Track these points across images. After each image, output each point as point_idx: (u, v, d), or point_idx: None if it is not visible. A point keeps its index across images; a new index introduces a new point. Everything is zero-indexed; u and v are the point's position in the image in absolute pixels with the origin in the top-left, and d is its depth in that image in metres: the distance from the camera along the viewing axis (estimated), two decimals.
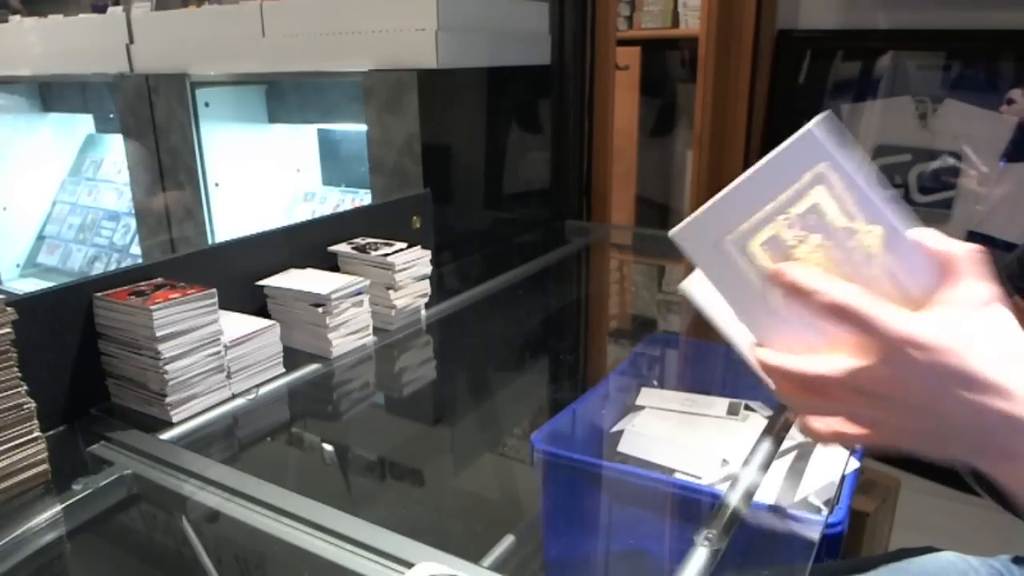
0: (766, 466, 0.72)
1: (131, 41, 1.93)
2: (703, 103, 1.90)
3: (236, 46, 1.71)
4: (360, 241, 1.20)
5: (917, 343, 0.45)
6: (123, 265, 1.20)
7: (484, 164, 1.63)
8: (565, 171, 1.86)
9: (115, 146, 2.44)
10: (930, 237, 0.48)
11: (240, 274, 1.07)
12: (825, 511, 0.78)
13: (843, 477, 0.84)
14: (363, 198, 1.93)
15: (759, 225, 0.51)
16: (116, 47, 1.94)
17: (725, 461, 0.88)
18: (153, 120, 1.88)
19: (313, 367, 1.04)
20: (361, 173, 1.90)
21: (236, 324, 0.96)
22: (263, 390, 0.97)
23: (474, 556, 0.65)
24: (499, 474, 1.01)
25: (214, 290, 0.90)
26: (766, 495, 0.79)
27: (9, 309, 0.74)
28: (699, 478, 0.86)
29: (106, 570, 0.79)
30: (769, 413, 0.99)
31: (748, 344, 0.55)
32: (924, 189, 1.69)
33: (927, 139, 1.69)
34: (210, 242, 1.89)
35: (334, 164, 1.99)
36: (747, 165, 0.49)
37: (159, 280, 0.93)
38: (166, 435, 0.85)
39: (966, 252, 0.47)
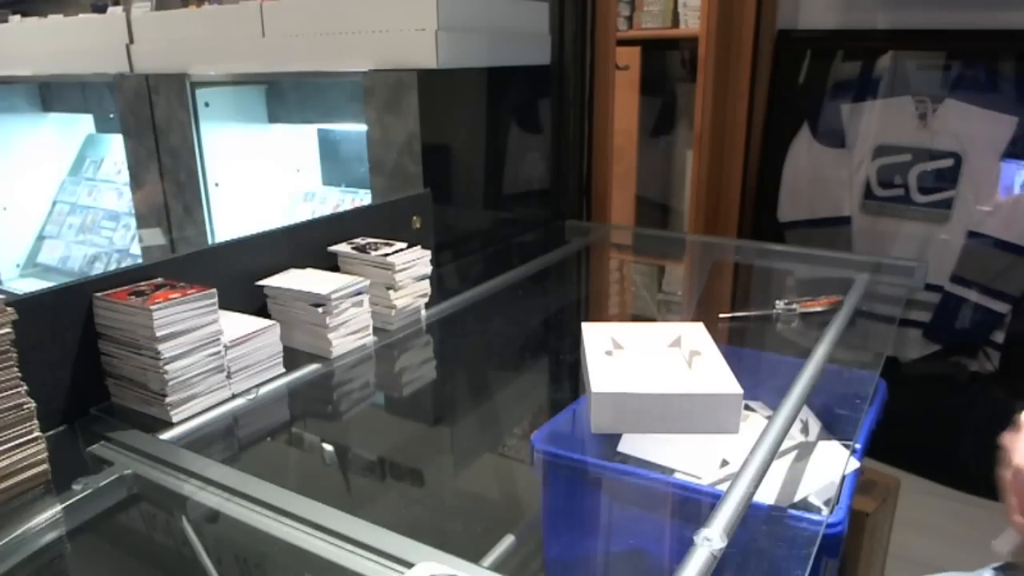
0: (766, 466, 0.72)
1: (131, 41, 1.93)
2: (703, 103, 1.90)
3: (236, 46, 1.71)
4: (360, 241, 1.20)
5: None
6: (123, 265, 1.20)
7: (484, 164, 1.63)
8: (565, 171, 1.86)
9: (115, 146, 2.44)
10: None
11: (240, 274, 1.07)
12: (825, 511, 0.78)
13: (843, 477, 0.84)
14: (363, 198, 1.93)
15: None
16: (116, 47, 1.94)
17: (725, 461, 0.88)
18: (153, 120, 1.88)
19: (313, 367, 1.04)
20: (361, 173, 1.90)
21: (236, 324, 0.96)
22: (263, 390, 0.97)
23: (474, 556, 0.65)
24: (499, 474, 1.01)
25: (214, 290, 0.90)
26: (766, 495, 0.79)
27: (9, 309, 0.74)
28: (699, 478, 0.86)
29: (106, 570, 0.79)
30: (769, 413, 0.99)
31: None
32: (924, 189, 1.68)
33: (927, 139, 1.69)
34: (210, 242, 1.89)
35: (334, 164, 1.99)
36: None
37: (159, 280, 0.93)
38: (166, 435, 0.85)
39: None
